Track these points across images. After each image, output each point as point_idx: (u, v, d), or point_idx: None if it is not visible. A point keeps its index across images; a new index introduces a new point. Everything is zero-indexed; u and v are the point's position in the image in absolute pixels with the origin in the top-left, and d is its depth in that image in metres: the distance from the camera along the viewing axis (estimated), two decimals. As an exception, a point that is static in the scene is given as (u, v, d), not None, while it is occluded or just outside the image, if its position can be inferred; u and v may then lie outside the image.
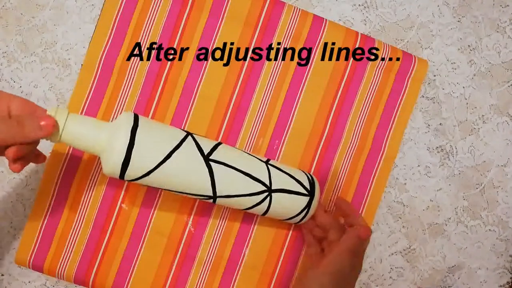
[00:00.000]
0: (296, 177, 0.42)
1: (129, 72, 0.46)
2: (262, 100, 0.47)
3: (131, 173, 0.36)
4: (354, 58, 0.48)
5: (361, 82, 0.48)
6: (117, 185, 0.46)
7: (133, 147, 0.34)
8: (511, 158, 0.52)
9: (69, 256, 0.45)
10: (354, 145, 0.48)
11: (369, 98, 0.49)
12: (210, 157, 0.38)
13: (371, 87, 0.49)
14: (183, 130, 0.39)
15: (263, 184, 0.40)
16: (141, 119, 0.36)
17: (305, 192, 0.42)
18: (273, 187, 0.41)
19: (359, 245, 0.41)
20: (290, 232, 0.48)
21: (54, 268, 0.45)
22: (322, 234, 0.44)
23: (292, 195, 0.41)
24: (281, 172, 0.42)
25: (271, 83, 0.47)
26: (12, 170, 0.35)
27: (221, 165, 0.38)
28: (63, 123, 0.34)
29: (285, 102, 0.48)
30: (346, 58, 0.48)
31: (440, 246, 0.51)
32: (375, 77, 0.48)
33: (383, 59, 0.48)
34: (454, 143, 0.51)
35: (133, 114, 0.36)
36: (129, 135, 0.35)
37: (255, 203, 0.40)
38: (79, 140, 0.35)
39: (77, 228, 0.45)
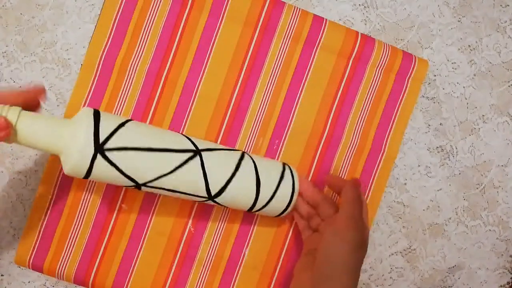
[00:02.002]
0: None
1: (129, 72, 0.46)
2: (262, 100, 0.47)
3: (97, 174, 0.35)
4: (354, 58, 0.48)
5: (361, 82, 0.48)
6: (117, 185, 0.46)
7: (98, 137, 0.34)
8: (511, 158, 0.52)
9: (69, 256, 0.45)
10: (354, 145, 0.48)
11: (369, 98, 0.49)
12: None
13: (371, 87, 0.48)
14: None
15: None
16: (101, 112, 0.36)
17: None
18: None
19: (358, 193, 0.40)
20: (290, 232, 0.48)
21: (54, 268, 0.45)
22: (311, 211, 0.43)
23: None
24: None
25: (271, 83, 0.47)
26: None
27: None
28: (14, 122, 0.32)
29: (285, 102, 0.48)
30: (346, 58, 0.48)
31: (440, 246, 0.51)
32: (375, 77, 0.48)
33: (383, 59, 0.48)
34: (454, 143, 0.51)
35: (92, 109, 0.36)
36: (93, 126, 0.34)
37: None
38: (36, 139, 0.33)
39: (77, 228, 0.45)
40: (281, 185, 0.42)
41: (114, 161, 0.35)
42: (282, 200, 0.42)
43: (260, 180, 0.41)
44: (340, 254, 0.37)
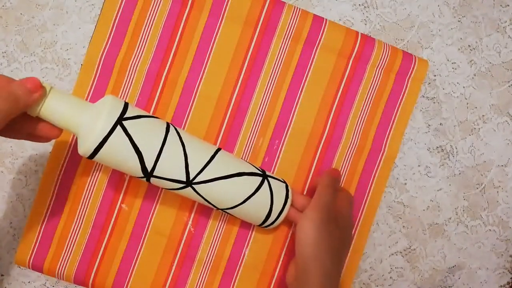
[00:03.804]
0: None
1: (129, 72, 0.46)
2: (262, 100, 0.47)
3: (101, 158, 0.36)
4: (354, 58, 0.48)
5: (361, 82, 0.48)
6: (117, 185, 0.46)
7: (113, 132, 0.34)
8: (511, 158, 0.52)
9: (69, 256, 0.45)
10: (354, 145, 0.48)
11: (369, 98, 0.49)
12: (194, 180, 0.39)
13: (371, 87, 0.48)
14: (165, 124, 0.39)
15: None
16: (130, 106, 0.36)
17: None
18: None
19: (332, 181, 0.43)
20: (290, 232, 0.48)
21: (54, 268, 0.45)
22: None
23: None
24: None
25: (271, 83, 0.47)
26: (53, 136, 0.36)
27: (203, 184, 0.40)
28: (45, 95, 0.33)
29: (285, 102, 0.48)
30: (346, 58, 0.48)
31: (440, 246, 0.51)
32: (375, 77, 0.48)
33: (383, 59, 0.48)
34: (454, 143, 0.51)
35: (122, 103, 0.36)
36: (115, 120, 0.34)
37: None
38: (59, 116, 0.34)
39: (77, 228, 0.45)
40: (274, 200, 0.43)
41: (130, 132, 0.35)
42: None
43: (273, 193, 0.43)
44: (306, 233, 0.40)
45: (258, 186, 0.42)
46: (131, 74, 0.46)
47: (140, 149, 0.36)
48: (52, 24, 0.46)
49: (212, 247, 0.47)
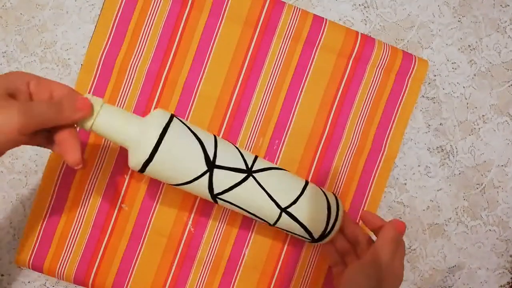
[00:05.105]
0: (309, 227, 0.41)
1: (129, 71, 0.46)
2: (262, 100, 0.47)
3: (152, 170, 0.36)
4: (354, 58, 0.48)
5: (361, 82, 0.48)
6: (117, 185, 0.46)
7: (159, 146, 0.35)
8: (511, 158, 0.52)
9: (69, 256, 0.45)
10: (354, 145, 0.48)
11: (369, 98, 0.49)
12: (219, 196, 0.39)
13: (371, 87, 0.48)
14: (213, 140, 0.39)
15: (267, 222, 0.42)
16: (175, 120, 0.37)
17: (309, 238, 0.42)
18: (276, 225, 0.42)
19: (396, 236, 0.40)
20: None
21: (54, 268, 0.45)
22: (348, 247, 0.43)
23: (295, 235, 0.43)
24: (292, 221, 0.41)
25: (271, 83, 0.47)
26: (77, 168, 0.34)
27: (226, 203, 0.40)
28: (97, 111, 0.34)
29: (285, 102, 0.48)
30: (346, 58, 0.48)
31: (440, 246, 0.51)
32: (375, 77, 0.48)
33: (383, 59, 0.48)
34: (454, 143, 0.51)
35: (168, 113, 0.37)
36: (159, 133, 0.35)
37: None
38: (110, 131, 0.35)
39: (77, 228, 0.45)
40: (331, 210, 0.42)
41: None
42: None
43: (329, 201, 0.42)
44: (357, 284, 0.38)
45: (305, 183, 0.42)
46: (131, 74, 0.46)
47: (198, 135, 0.37)
48: (52, 24, 0.46)
49: (212, 247, 0.47)
